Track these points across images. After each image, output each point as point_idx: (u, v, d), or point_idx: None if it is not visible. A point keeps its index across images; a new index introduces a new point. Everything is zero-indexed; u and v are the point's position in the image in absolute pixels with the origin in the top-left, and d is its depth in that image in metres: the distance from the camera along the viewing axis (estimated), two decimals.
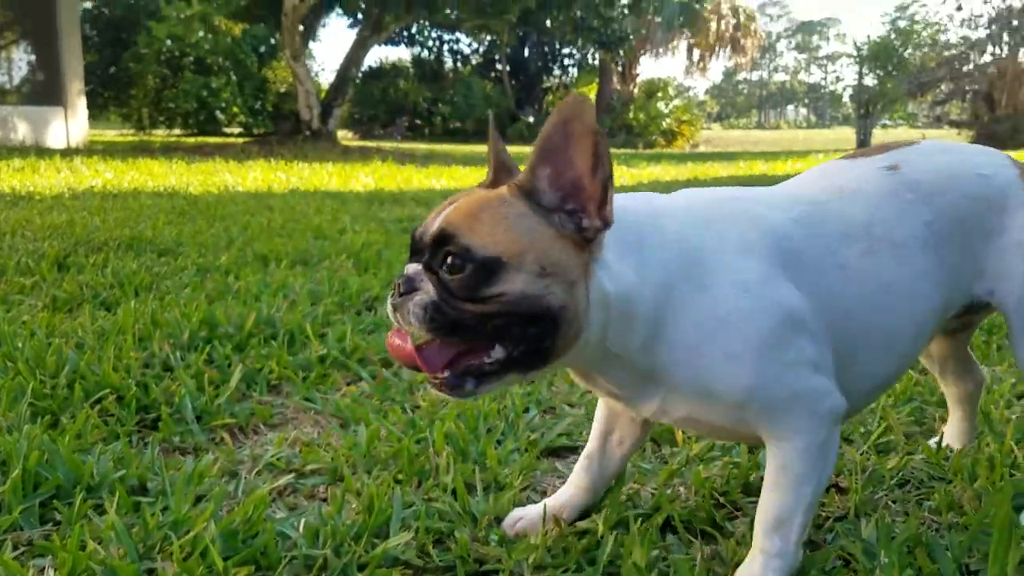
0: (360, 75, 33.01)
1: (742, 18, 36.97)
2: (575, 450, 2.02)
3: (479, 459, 1.89)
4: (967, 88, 26.00)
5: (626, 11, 20.18)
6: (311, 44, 34.31)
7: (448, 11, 19.72)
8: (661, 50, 36.28)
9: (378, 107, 33.53)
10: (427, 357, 1.20)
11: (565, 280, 1.18)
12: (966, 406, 1.91)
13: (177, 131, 27.76)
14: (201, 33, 26.15)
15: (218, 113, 27.06)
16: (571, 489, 1.63)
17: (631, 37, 21.08)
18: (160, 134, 27.37)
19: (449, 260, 1.17)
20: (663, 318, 1.25)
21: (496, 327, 1.18)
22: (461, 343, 1.20)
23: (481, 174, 11.44)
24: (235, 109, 27.28)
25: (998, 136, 23.54)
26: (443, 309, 1.16)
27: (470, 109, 33.26)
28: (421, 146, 24.47)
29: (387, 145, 22.58)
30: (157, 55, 25.27)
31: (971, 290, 1.52)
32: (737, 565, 1.41)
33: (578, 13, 18.10)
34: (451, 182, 10.18)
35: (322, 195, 8.00)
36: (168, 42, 24.66)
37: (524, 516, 1.60)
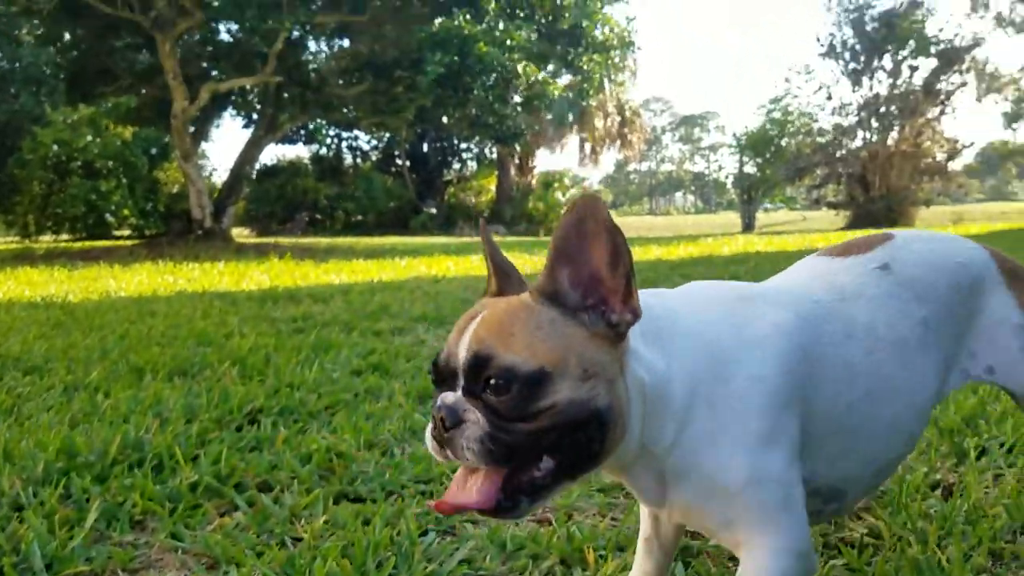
0: (256, 173, 32.71)
1: (627, 114, 38.58)
2: None
3: None
4: (841, 171, 27.65)
5: (518, 108, 20.71)
6: (205, 144, 33.92)
7: (344, 110, 19.82)
8: (555, 144, 37.39)
9: (276, 204, 33.14)
10: (484, 493, 1.15)
11: (606, 379, 1.17)
12: None
13: (65, 236, 26.62)
14: (89, 137, 25.53)
15: (108, 216, 26.22)
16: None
17: (525, 132, 21.63)
18: (47, 240, 26.16)
19: (492, 382, 1.14)
20: (692, 407, 1.25)
21: (549, 441, 1.15)
22: (514, 465, 1.16)
23: (384, 266, 11.32)
24: (126, 212, 26.55)
25: (873, 215, 25.04)
26: (498, 436, 1.13)
27: (371, 203, 33.29)
28: (323, 240, 24.14)
29: (285, 241, 22.16)
30: (43, 160, 24.40)
31: (968, 371, 1.58)
32: None
33: (473, 111, 18.43)
34: (352, 276, 9.94)
35: (211, 297, 7.63)
36: (55, 147, 23.94)
37: None
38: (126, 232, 26.89)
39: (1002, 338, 1.55)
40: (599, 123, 36.64)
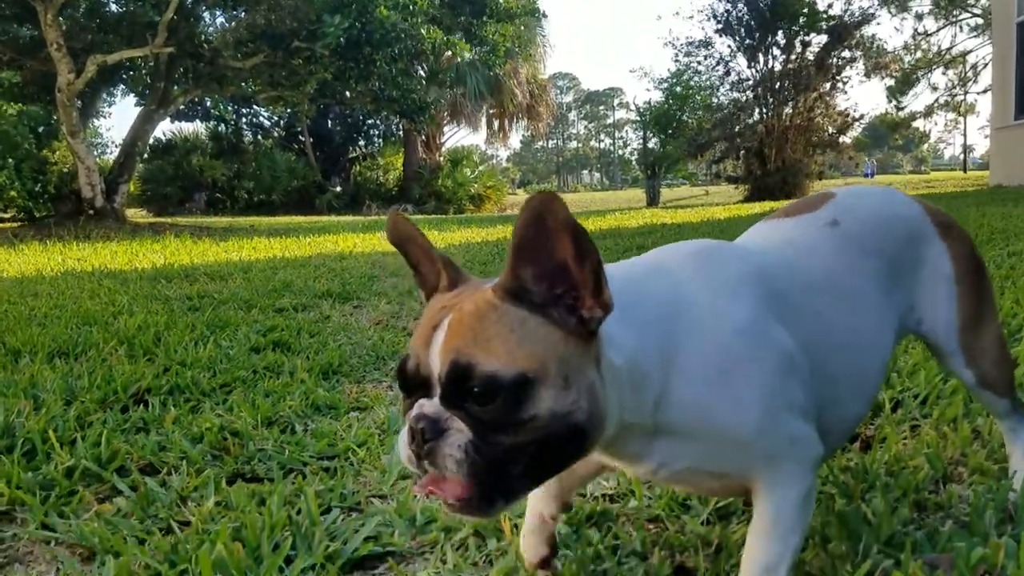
0: (151, 150, 31.18)
1: (535, 88, 38.57)
2: (384, 558, 1.68)
3: None
4: (740, 146, 28.27)
5: (423, 82, 20.31)
6: (99, 122, 32.21)
7: (241, 84, 19.05)
8: (465, 119, 37.05)
9: (172, 183, 31.76)
10: (461, 488, 1.09)
11: (586, 385, 1.12)
12: None
13: None
14: None
15: None
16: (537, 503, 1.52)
17: (431, 106, 21.22)
18: None
19: (476, 392, 1.08)
20: (669, 376, 1.21)
21: (529, 453, 1.09)
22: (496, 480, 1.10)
23: (287, 244, 10.92)
24: (12, 193, 24.96)
25: (769, 187, 25.74)
26: (481, 448, 1.08)
27: (275, 181, 32.25)
28: (223, 220, 23.28)
29: (184, 221, 21.29)
30: None
31: (907, 325, 1.59)
32: None
33: (376, 84, 17.94)
34: (253, 254, 9.54)
35: (99, 276, 7.17)
36: None
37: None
38: (11, 214, 25.33)
39: (933, 288, 1.58)
40: (516, 91, 36.45)
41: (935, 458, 1.86)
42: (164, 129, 35.79)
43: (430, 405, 1.11)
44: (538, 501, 1.51)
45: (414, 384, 1.15)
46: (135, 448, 2.34)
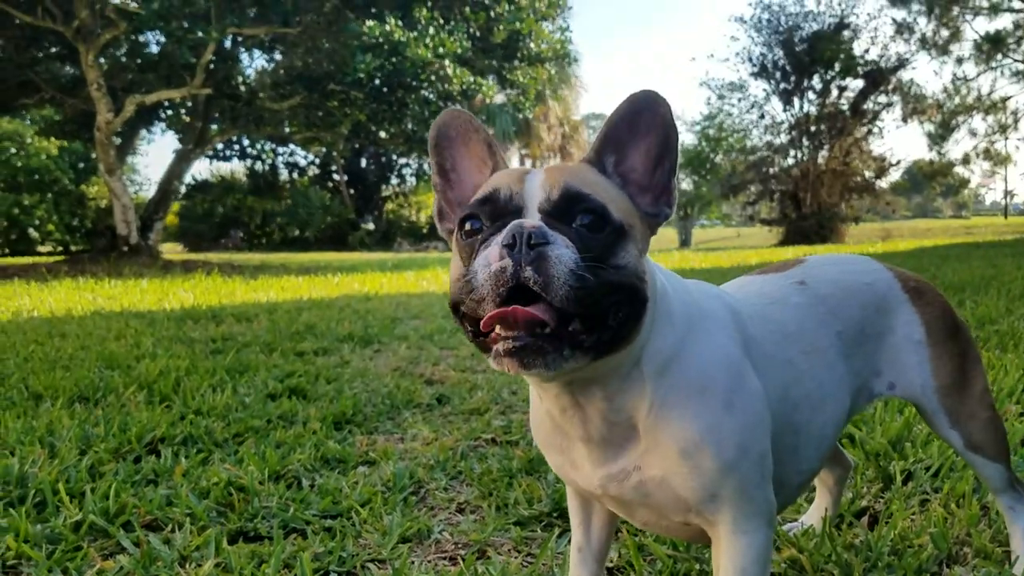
0: (188, 188, 31.87)
1: (567, 129, 38.89)
2: None
3: None
4: (774, 189, 28.20)
5: None
6: (135, 159, 33.03)
7: (277, 125, 19.45)
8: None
9: (208, 220, 32.40)
10: (545, 313, 1.04)
11: (648, 265, 1.20)
12: (834, 489, 2.02)
13: None
14: (13, 150, 24.55)
15: (31, 231, 25.26)
16: None
17: None
18: None
19: (587, 220, 1.10)
20: (686, 339, 1.25)
21: (610, 302, 1.09)
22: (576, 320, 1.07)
23: (315, 283, 11.04)
24: (51, 227, 25.62)
25: (804, 231, 25.57)
26: (584, 275, 1.03)
27: (309, 218, 32.78)
28: (256, 256, 23.63)
29: (216, 258, 21.63)
30: None
31: (872, 390, 1.60)
32: None
33: (409, 125, 18.26)
34: (281, 294, 9.66)
35: (128, 316, 7.30)
36: None
37: None
38: (50, 248, 25.95)
39: (904, 354, 1.59)
40: (544, 135, 36.82)
41: (940, 538, 1.81)
42: (202, 168, 36.59)
43: (531, 222, 1.07)
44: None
45: (503, 210, 1.14)
46: (143, 502, 2.35)
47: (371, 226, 35.35)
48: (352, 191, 36.73)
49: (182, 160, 19.39)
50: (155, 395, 3.76)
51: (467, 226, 1.16)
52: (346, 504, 2.31)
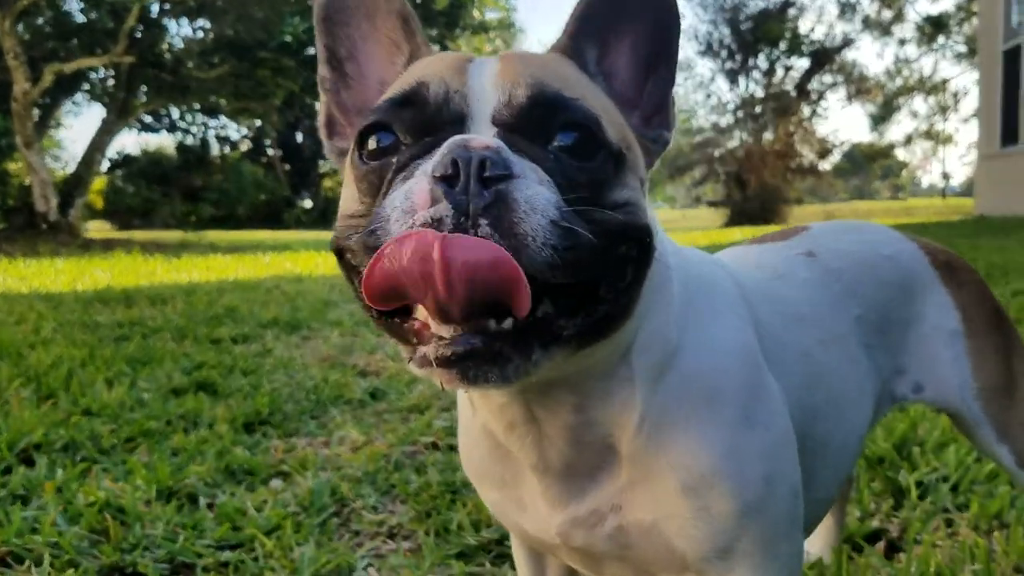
0: (114, 163, 30.48)
1: None
2: None
3: None
4: (719, 170, 28.25)
5: None
6: (59, 133, 31.50)
7: (205, 95, 18.60)
8: None
9: (136, 196, 31.06)
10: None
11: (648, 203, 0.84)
12: (838, 507, 1.66)
13: None
14: None
15: None
16: None
17: None
18: None
19: (572, 139, 0.73)
20: (688, 323, 0.91)
21: (611, 265, 0.74)
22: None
23: (244, 263, 10.43)
24: None
25: (748, 213, 25.73)
26: (570, 223, 0.67)
27: (241, 195, 31.71)
28: (184, 234, 22.67)
29: (141, 236, 20.67)
30: None
31: (893, 393, 1.26)
32: None
33: None
34: (205, 274, 9.05)
35: (34, 298, 6.67)
36: None
37: None
38: None
39: (933, 347, 1.26)
40: None
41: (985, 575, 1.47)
42: (129, 141, 35.24)
43: (482, 139, 0.69)
44: None
45: (434, 119, 0.73)
46: (1, 529, 1.89)
47: (308, 203, 34.41)
48: (287, 167, 35.63)
49: (105, 132, 18.38)
50: (43, 390, 3.26)
51: (372, 143, 0.75)
52: (248, 532, 1.89)
